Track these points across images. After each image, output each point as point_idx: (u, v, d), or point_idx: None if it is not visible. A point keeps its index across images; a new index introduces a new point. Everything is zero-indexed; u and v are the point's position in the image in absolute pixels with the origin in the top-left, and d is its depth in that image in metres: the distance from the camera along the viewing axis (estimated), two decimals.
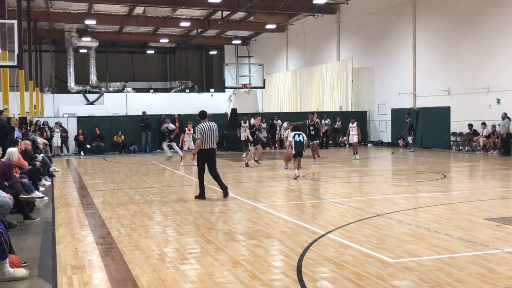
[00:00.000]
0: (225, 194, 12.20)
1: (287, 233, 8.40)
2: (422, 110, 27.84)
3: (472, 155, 23.19)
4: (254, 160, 19.36)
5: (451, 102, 26.10)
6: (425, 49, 27.76)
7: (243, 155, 23.69)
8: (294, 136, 16.23)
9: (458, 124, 25.69)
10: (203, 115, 12.55)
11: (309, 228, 8.72)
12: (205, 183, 12.28)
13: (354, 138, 21.66)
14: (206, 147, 12.11)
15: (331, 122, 29.55)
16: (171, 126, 23.52)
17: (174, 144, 22.99)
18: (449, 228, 8.54)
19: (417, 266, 6.46)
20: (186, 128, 20.54)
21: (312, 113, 21.44)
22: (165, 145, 23.51)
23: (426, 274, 6.14)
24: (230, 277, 6.19)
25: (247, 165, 18.79)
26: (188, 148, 20.22)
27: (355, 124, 21.74)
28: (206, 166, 12.34)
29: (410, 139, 26.42)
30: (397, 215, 9.70)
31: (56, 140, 27.04)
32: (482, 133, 23.90)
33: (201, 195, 12.23)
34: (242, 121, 24.86)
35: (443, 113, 26.39)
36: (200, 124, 12.24)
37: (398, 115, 29.28)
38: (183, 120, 29.10)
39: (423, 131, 27.74)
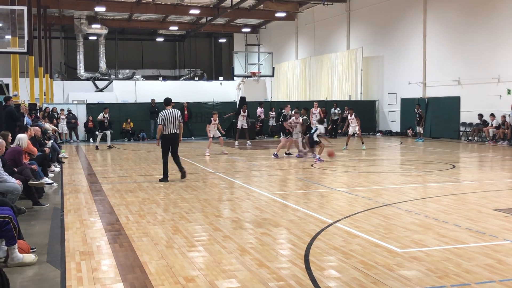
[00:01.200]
0: (183, 176, 13.23)
1: (295, 222, 8.40)
2: (432, 100, 27.68)
3: (482, 145, 23.07)
4: (286, 153, 19.04)
5: (461, 92, 25.93)
6: (435, 39, 27.55)
7: (236, 144, 23.67)
8: None
9: (468, 114, 25.53)
10: (167, 102, 13.34)
11: (317, 217, 8.72)
12: (215, 172, 12.33)
13: (356, 129, 21.49)
14: (167, 132, 12.96)
15: (341, 111, 29.45)
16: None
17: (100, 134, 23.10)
18: (458, 219, 8.51)
19: (425, 256, 6.45)
20: (212, 118, 20.38)
21: (286, 104, 21.28)
22: (99, 134, 23.17)
23: (434, 264, 6.13)
24: (237, 264, 6.20)
25: (275, 155, 18.52)
26: (213, 137, 20.14)
27: (353, 116, 21.62)
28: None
29: (420, 129, 26.36)
30: (405, 205, 9.67)
31: (61, 127, 26.93)
32: (492, 124, 23.76)
33: (164, 178, 13.08)
34: (241, 110, 24.92)
35: (453, 103, 26.23)
36: (162, 111, 13.10)
37: (407, 104, 29.13)
38: (192, 108, 29.19)
39: (432, 121, 27.60)
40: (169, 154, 13.25)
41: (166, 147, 13.15)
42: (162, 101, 13.68)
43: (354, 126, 21.47)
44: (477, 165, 16.87)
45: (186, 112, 28.76)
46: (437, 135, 27.25)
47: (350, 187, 11.89)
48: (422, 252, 6.63)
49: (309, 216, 8.84)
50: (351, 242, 7.13)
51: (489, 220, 8.40)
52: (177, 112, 13.15)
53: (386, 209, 9.33)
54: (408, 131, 28.70)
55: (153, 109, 28.39)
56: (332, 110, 29.32)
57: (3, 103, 16.14)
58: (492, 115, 23.62)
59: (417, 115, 26.45)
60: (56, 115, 26.80)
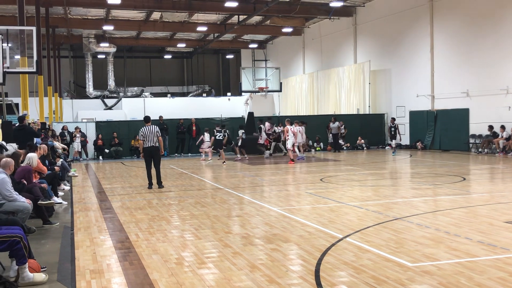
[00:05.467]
0: (151, 186, 14.96)
1: (305, 237, 8.36)
2: (441, 112, 27.63)
3: (492, 157, 22.94)
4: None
5: (470, 104, 25.86)
6: (443, 51, 27.55)
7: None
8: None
9: (477, 126, 25.44)
10: (146, 119, 15.31)
11: (327, 232, 8.68)
12: (224, 188, 12.34)
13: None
14: (147, 145, 14.81)
15: (339, 125, 29.49)
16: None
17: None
18: (469, 232, 8.45)
19: (437, 270, 6.40)
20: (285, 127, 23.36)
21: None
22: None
23: (445, 278, 6.08)
24: (247, 281, 6.18)
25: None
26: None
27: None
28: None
29: (394, 142, 26.36)
30: (416, 219, 9.61)
31: (77, 145, 27.19)
32: (502, 136, 23.64)
33: (149, 186, 14.99)
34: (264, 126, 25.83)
35: (462, 115, 26.16)
36: (142, 128, 14.98)
37: (416, 117, 29.10)
38: (200, 124, 29.25)
39: (441, 133, 27.55)
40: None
41: (147, 158, 15.02)
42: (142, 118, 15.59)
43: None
44: (487, 177, 16.77)
45: (194, 128, 28.87)
46: (446, 147, 27.16)
47: (360, 201, 11.84)
48: (433, 266, 6.58)
49: (319, 231, 8.80)
50: (362, 257, 7.09)
51: (501, 233, 8.33)
52: (155, 128, 14.87)
53: (397, 223, 9.28)
54: (418, 143, 28.62)
55: (161, 125, 28.43)
56: (331, 124, 29.28)
57: (18, 123, 16.25)
58: (502, 127, 23.50)
59: (393, 129, 26.39)
60: (66, 134, 26.93)
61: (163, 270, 6.71)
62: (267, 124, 28.98)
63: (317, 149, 30.16)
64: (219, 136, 22.77)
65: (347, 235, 8.43)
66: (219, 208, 11.45)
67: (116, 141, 28.14)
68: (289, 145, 23.00)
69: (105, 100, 45.04)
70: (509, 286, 5.80)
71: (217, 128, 23.17)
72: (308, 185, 15.08)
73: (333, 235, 8.43)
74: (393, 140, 26.54)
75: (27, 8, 21.39)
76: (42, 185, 10.75)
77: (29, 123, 18.89)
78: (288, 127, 23.02)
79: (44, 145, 14.71)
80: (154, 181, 15.05)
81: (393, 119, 27.16)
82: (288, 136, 22.88)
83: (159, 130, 14.96)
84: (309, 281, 6.14)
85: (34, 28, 16.29)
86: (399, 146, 30.35)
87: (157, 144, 14.84)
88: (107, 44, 43.65)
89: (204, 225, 9.52)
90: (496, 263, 6.66)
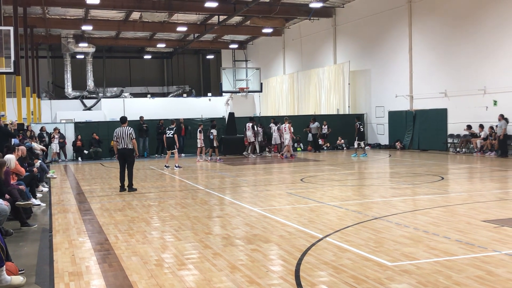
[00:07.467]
0: (123, 189, 14.44)
1: (285, 237, 8.38)
2: (419, 112, 27.87)
3: (470, 156, 23.20)
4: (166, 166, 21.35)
5: (448, 104, 26.13)
6: (421, 52, 27.81)
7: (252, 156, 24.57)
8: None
9: (455, 126, 25.72)
10: (122, 120, 14.89)
11: (307, 232, 8.71)
12: (204, 189, 12.32)
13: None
14: (119, 147, 14.42)
15: (319, 125, 29.55)
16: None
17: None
18: (447, 231, 8.53)
19: (416, 269, 6.45)
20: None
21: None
22: None
23: (424, 277, 6.13)
24: (228, 282, 6.17)
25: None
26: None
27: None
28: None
29: (356, 144, 25.43)
30: (395, 218, 9.69)
31: (55, 146, 26.90)
32: (480, 135, 23.93)
33: (121, 189, 14.48)
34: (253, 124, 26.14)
35: (440, 115, 26.43)
36: (116, 128, 14.61)
37: (395, 117, 29.32)
38: (191, 125, 29.13)
39: (420, 133, 27.80)
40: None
41: (120, 160, 14.62)
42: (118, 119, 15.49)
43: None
44: (465, 176, 16.95)
45: (183, 127, 28.77)
46: (425, 147, 27.41)
47: (340, 201, 11.89)
48: (412, 265, 6.64)
49: (299, 231, 8.82)
50: (342, 257, 7.12)
51: (479, 232, 8.43)
52: (128, 130, 14.42)
53: (376, 223, 9.34)
54: (397, 143, 28.84)
55: (141, 126, 28.31)
56: (311, 125, 29.31)
57: None
58: (480, 126, 23.79)
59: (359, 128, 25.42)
60: (44, 135, 26.66)
61: (143, 272, 6.67)
62: (248, 124, 28.99)
63: (297, 149, 30.23)
64: (169, 134, 21.03)
65: (327, 235, 8.47)
66: (200, 209, 11.43)
67: (96, 138, 27.91)
68: (286, 141, 25.04)
69: (84, 100, 44.69)
70: (486, 284, 5.87)
71: (171, 126, 21.32)
72: (289, 185, 15.12)
73: (313, 235, 8.46)
74: (358, 142, 25.37)
75: (4, 8, 21.19)
76: (20, 187, 10.64)
77: (6, 124, 18.66)
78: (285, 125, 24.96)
79: (22, 146, 14.55)
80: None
81: (357, 118, 26.36)
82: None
83: (132, 132, 14.46)
84: (289, 281, 6.15)
85: (11, 28, 16.14)
86: (379, 146, 30.59)
87: (130, 146, 14.38)
88: (86, 44, 43.33)
89: (184, 226, 9.49)
90: (474, 262, 6.73)
